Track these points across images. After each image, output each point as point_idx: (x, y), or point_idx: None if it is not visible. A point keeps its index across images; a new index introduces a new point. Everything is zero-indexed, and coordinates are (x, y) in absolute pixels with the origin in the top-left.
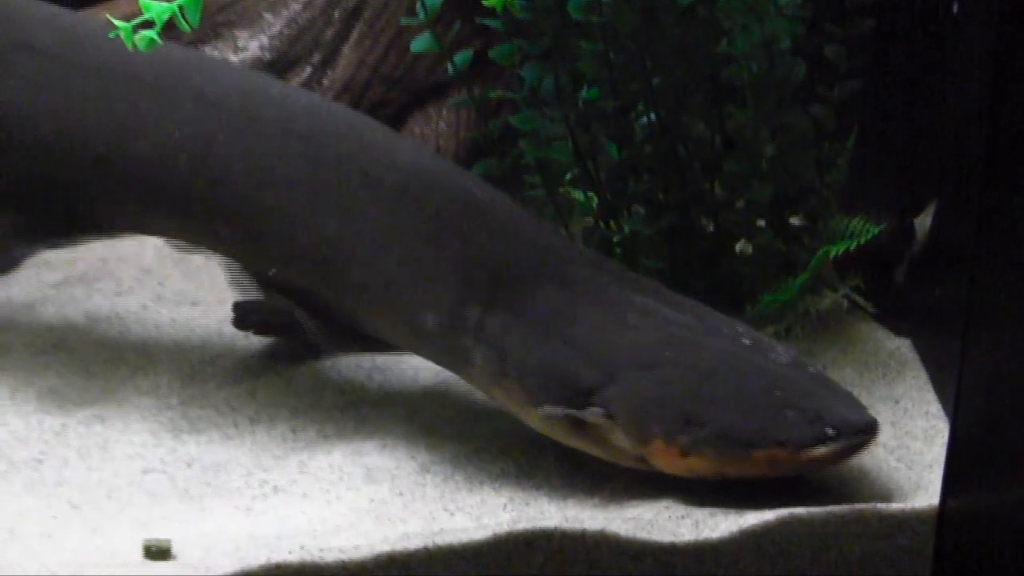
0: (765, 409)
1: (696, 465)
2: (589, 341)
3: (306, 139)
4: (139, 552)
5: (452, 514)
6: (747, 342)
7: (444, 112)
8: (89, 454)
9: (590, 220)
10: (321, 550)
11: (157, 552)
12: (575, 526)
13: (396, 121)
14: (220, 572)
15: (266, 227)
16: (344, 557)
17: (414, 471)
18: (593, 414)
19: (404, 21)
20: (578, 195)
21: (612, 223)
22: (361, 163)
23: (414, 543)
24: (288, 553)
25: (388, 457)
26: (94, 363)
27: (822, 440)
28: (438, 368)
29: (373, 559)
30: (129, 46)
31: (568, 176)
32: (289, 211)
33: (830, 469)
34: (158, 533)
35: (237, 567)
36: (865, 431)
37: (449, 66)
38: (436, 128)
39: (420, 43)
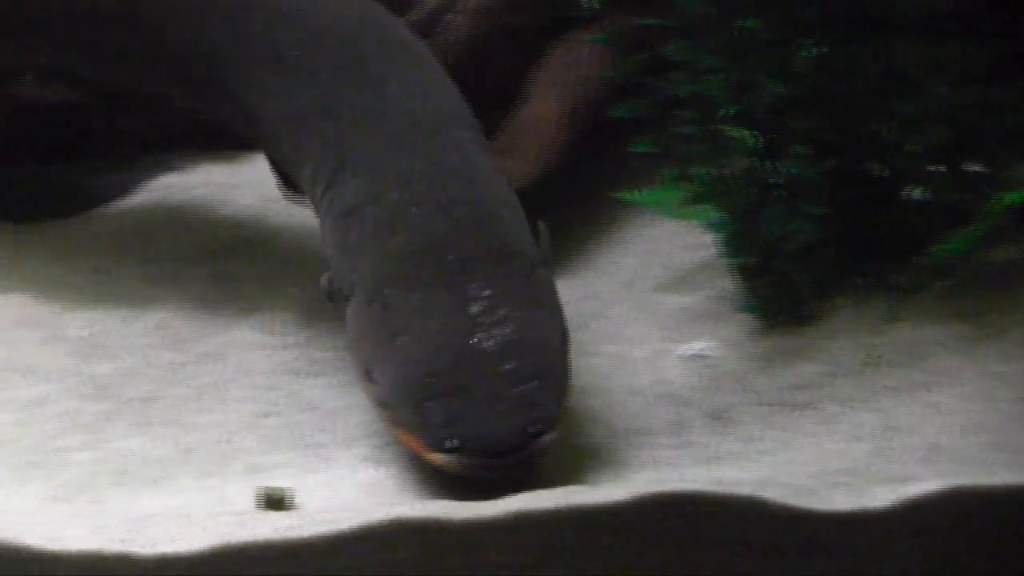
0: (415, 389)
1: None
2: None
3: None
4: (252, 500)
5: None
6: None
7: (586, 43)
8: (202, 395)
9: (747, 160)
10: (448, 507)
11: (273, 501)
12: (721, 490)
13: (534, 48)
14: (340, 527)
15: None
16: (472, 515)
17: None
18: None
19: None
20: (735, 133)
21: (771, 164)
22: None
23: (548, 502)
24: (413, 509)
25: None
26: (209, 297)
27: (441, 447)
28: None
29: (504, 518)
30: None
31: (723, 112)
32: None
33: None
34: (274, 481)
35: (357, 522)
36: (495, 454)
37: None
38: (583, 57)
39: None
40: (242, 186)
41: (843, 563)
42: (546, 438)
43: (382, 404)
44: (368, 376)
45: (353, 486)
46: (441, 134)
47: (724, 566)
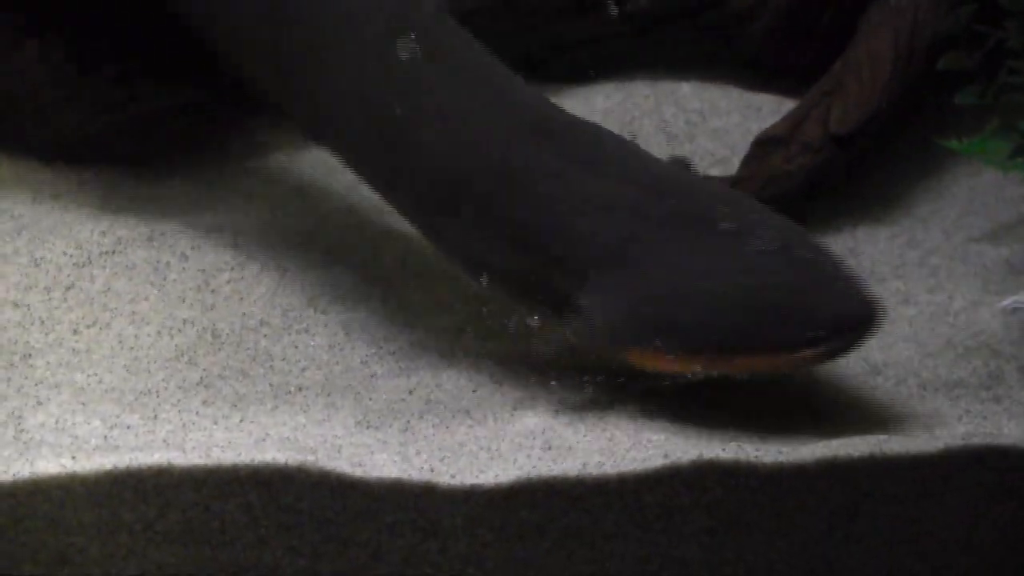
0: (744, 311)
1: (679, 367)
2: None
3: None
4: None
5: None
6: (727, 226)
7: None
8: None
9: None
10: (758, 450)
11: None
12: None
13: None
14: (649, 465)
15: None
16: (781, 459)
17: (864, 371)
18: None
19: None
20: None
21: None
22: None
23: (861, 449)
24: (722, 450)
25: None
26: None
27: (809, 343)
28: None
29: (814, 463)
30: None
31: None
32: None
33: None
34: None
35: (663, 461)
36: (858, 327)
37: None
38: (915, 9)
39: None
40: None
41: None
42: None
43: (696, 352)
44: (659, 337)
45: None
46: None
47: None
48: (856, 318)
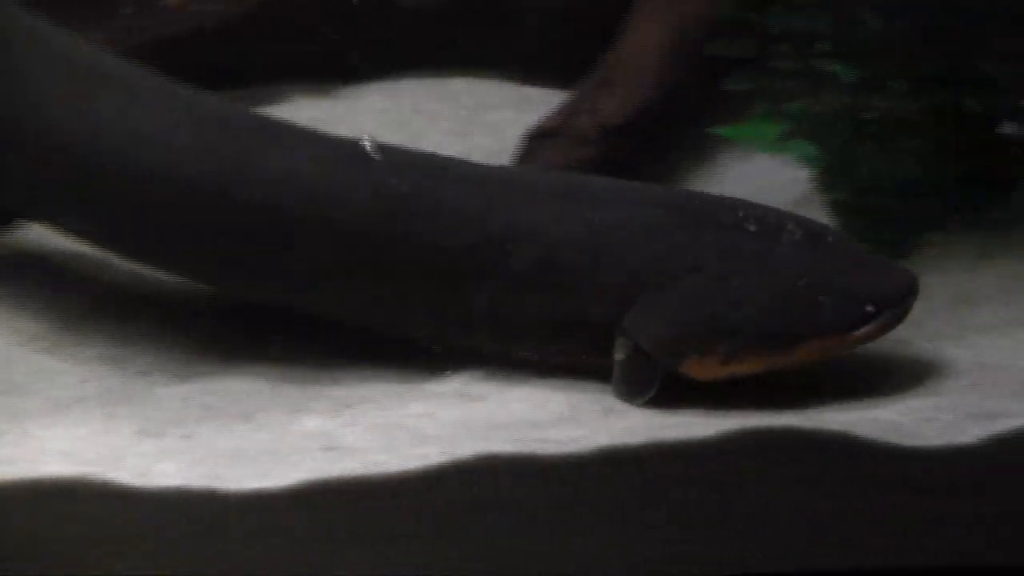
0: (796, 301)
1: (739, 370)
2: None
3: None
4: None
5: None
6: (752, 228)
7: None
8: None
9: (843, 96)
10: (543, 442)
11: None
12: (810, 426)
13: None
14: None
15: None
16: (566, 450)
17: None
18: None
19: None
20: (833, 68)
21: (868, 99)
22: None
23: (638, 437)
24: (505, 444)
25: None
26: None
27: (864, 319)
28: None
29: (593, 453)
30: None
31: (822, 47)
32: None
33: None
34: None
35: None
36: (906, 295)
37: None
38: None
39: None
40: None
41: (933, 499)
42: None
43: (755, 349)
44: (718, 341)
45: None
46: None
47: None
48: (903, 287)
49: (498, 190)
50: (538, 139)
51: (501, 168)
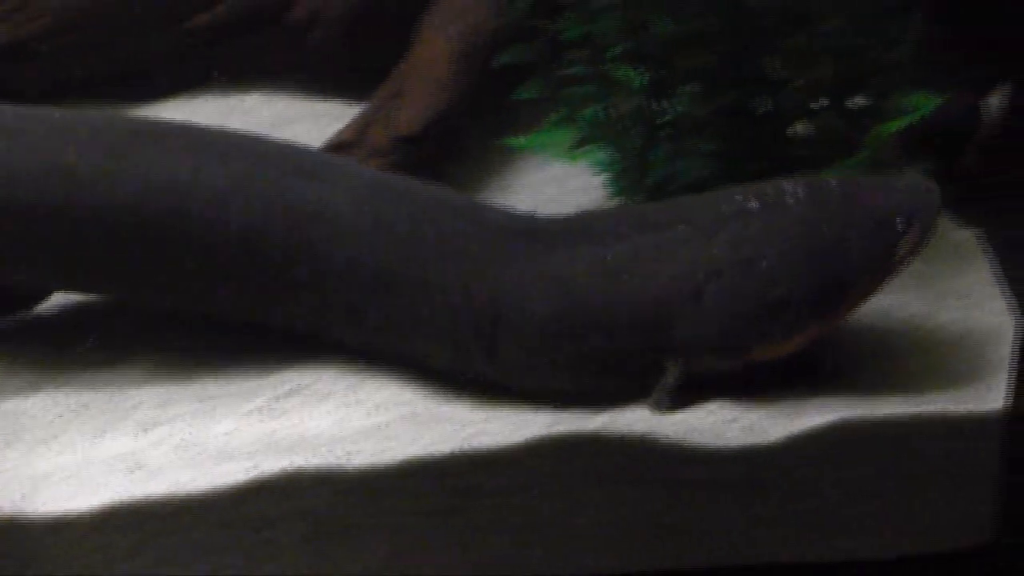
0: (826, 255)
1: (805, 339)
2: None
3: None
4: None
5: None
6: (755, 205)
7: None
8: None
9: (637, 100)
10: (349, 455)
11: None
12: (615, 430)
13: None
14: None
15: None
16: (372, 461)
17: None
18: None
19: None
20: (625, 72)
21: (660, 103)
22: None
23: (446, 447)
24: (310, 458)
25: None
26: None
27: (900, 236)
28: None
29: (399, 465)
30: None
31: (614, 52)
32: None
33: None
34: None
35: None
36: (928, 198)
37: None
38: (473, 9)
39: None
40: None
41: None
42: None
43: (814, 314)
44: (776, 323)
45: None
46: None
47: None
48: (921, 190)
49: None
50: (333, 151)
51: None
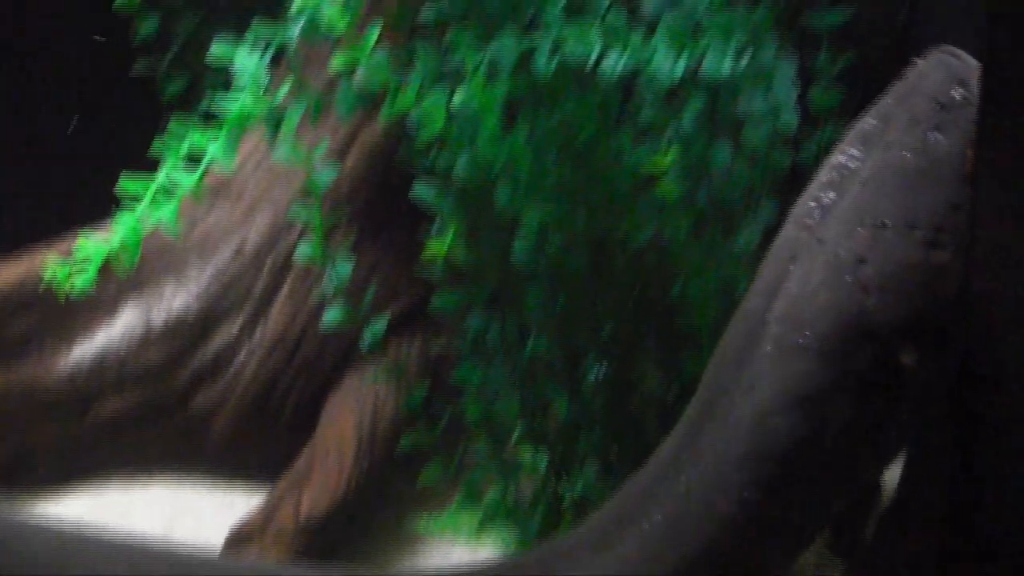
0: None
1: None
2: None
3: None
4: None
5: None
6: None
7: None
8: None
9: (538, 480)
10: None
11: None
12: None
13: (328, 384)
14: None
15: None
16: None
17: None
18: None
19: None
20: (525, 453)
21: (563, 481)
22: None
23: None
24: None
25: None
26: None
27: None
28: None
29: None
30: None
31: (515, 434)
32: None
33: None
34: None
35: None
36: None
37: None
38: (374, 394)
39: (332, 315)
40: None
41: None
42: None
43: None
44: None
45: None
46: None
47: None
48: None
49: None
50: (239, 538)
51: None
